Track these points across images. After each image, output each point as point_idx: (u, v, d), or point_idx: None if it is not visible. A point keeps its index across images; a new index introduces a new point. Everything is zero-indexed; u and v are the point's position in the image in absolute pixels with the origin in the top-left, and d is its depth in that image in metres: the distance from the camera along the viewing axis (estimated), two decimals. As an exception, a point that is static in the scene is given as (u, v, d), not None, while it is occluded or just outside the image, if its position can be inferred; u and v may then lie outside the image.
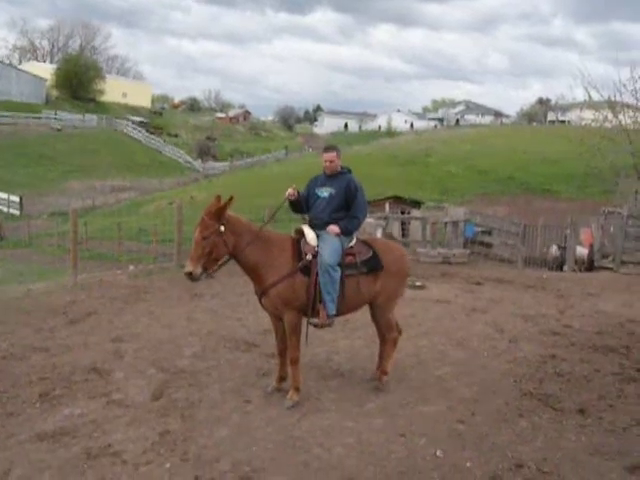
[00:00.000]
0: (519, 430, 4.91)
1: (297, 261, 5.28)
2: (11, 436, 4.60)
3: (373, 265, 5.55)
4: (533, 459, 4.40)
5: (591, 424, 5.06)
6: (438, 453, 4.46)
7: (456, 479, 4.14)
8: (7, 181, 41.46)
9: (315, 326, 5.39)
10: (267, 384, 5.67)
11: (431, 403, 5.41)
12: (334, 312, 5.32)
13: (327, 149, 5.76)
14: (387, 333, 5.82)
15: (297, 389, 5.36)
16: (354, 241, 5.62)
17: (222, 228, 5.02)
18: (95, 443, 4.49)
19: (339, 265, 5.31)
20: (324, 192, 5.60)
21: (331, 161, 5.62)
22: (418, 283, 11.03)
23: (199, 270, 4.97)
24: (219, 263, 5.18)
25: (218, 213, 5.02)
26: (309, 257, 5.26)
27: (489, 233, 17.41)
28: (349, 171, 5.75)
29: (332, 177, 5.64)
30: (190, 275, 4.95)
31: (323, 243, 5.35)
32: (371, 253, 5.58)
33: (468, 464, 4.31)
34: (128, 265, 13.28)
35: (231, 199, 5.07)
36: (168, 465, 4.19)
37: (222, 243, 5.04)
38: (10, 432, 4.66)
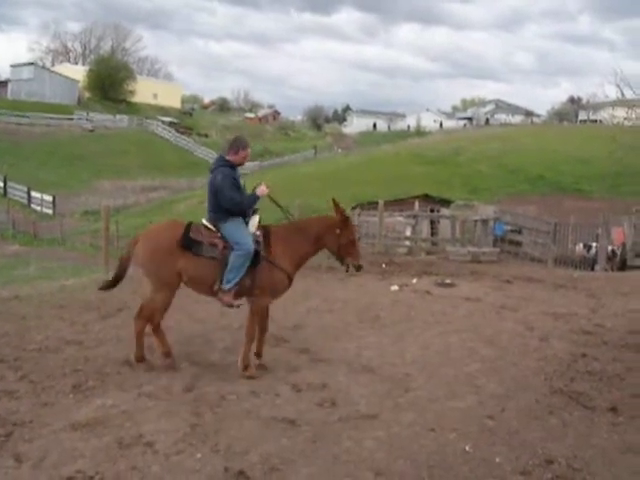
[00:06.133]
0: (549, 427, 4.86)
1: None
2: (46, 425, 4.69)
3: None
4: (564, 455, 4.35)
5: (623, 422, 4.97)
6: (468, 448, 4.44)
7: (486, 474, 4.11)
8: (41, 181, 42.26)
9: None
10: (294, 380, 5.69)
11: (461, 399, 5.39)
12: None
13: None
14: None
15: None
16: None
17: None
18: (127, 433, 4.56)
19: None
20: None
21: None
22: (448, 281, 10.99)
23: None
24: None
25: None
26: None
27: (519, 232, 17.24)
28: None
29: None
30: None
31: None
32: None
33: (498, 459, 4.29)
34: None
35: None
36: (199, 455, 4.24)
37: None
38: (45, 421, 4.76)
